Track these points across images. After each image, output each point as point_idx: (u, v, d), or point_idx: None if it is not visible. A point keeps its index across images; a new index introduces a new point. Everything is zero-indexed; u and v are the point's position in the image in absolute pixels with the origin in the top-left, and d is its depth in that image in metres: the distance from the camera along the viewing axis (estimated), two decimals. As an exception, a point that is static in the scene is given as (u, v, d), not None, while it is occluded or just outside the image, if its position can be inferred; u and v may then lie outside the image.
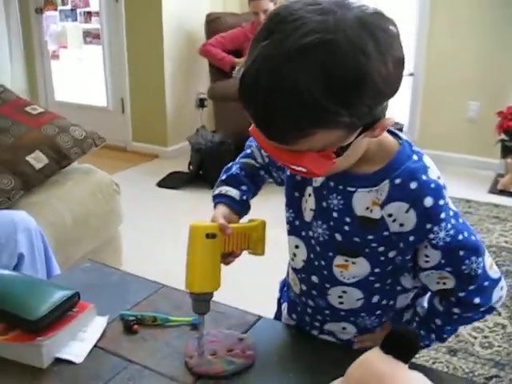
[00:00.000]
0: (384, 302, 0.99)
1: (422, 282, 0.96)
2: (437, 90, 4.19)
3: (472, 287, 0.92)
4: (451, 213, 0.87)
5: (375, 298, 0.98)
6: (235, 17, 4.39)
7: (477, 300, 0.92)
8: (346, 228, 0.91)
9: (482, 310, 0.95)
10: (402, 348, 0.65)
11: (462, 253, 0.88)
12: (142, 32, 4.41)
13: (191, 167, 4.03)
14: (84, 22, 5.29)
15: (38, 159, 2.08)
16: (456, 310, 0.95)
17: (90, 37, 5.38)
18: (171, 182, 4.00)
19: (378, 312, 1.00)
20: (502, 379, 1.95)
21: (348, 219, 0.90)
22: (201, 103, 4.66)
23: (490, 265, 0.92)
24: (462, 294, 0.92)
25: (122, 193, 2.42)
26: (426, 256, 0.89)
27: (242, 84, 0.75)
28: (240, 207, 1.06)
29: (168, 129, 4.55)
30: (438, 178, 0.86)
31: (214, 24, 4.28)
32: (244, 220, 1.07)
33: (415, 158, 0.87)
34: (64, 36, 5.49)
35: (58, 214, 2.08)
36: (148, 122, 4.61)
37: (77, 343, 1.00)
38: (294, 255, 1.02)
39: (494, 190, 3.79)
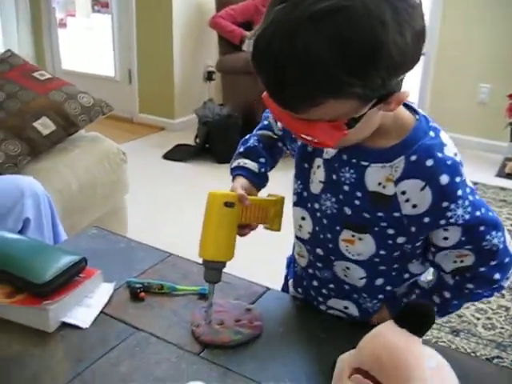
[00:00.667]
0: (388, 287, 0.98)
1: (436, 262, 0.93)
2: (448, 71, 4.14)
3: (493, 262, 0.90)
4: (468, 190, 0.85)
5: (379, 281, 0.96)
6: (246, -11, 4.33)
7: (497, 276, 0.91)
8: (357, 202, 0.89)
9: (494, 286, 0.93)
10: (416, 321, 0.64)
11: (482, 228, 0.87)
12: (152, 2, 4.35)
13: (197, 140, 4.00)
14: (93, -11, 5.23)
15: (45, 125, 2.06)
16: (469, 286, 0.93)
17: (99, 5, 5.32)
18: (177, 154, 3.98)
19: (381, 296, 0.99)
20: (503, 360, 1.95)
21: (359, 194, 0.89)
22: (209, 76, 4.62)
23: (510, 241, 0.91)
24: (482, 269, 0.90)
25: (128, 164, 2.41)
26: (445, 236, 0.87)
27: (255, 48, 0.73)
28: (258, 180, 1.05)
29: (175, 101, 4.51)
30: (455, 154, 0.84)
31: (224, -5, 4.21)
32: (263, 194, 1.06)
33: (432, 134, 0.85)
34: (72, 3, 5.43)
35: (65, 180, 2.07)
36: (155, 93, 4.58)
37: (83, 309, 1.00)
38: (300, 226, 1.01)
39: (501, 174, 3.76)
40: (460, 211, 0.84)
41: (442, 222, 0.85)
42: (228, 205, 0.91)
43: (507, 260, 0.91)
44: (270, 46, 0.70)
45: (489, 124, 4.07)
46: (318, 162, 0.95)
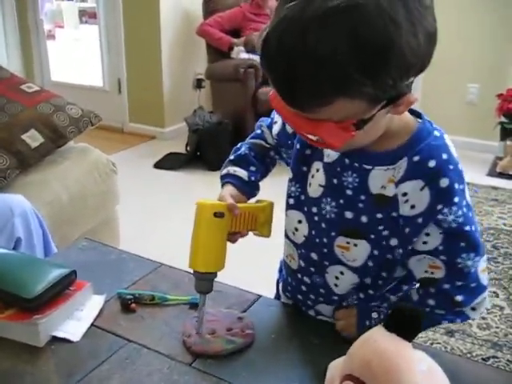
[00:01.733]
0: (370, 291, 0.97)
1: (409, 267, 0.92)
2: (436, 72, 4.14)
3: (459, 283, 0.89)
4: (465, 202, 0.85)
5: (366, 285, 0.96)
6: (233, -4, 4.34)
7: (459, 297, 0.89)
8: (360, 205, 0.89)
9: (456, 310, 0.91)
10: (405, 325, 0.63)
11: (462, 244, 0.86)
12: (139, 12, 4.35)
13: (188, 148, 4.00)
14: (80, 0, 5.21)
15: (33, 138, 2.05)
16: (431, 302, 0.91)
17: (86, 16, 5.32)
18: (168, 163, 3.97)
19: (361, 295, 0.98)
20: (499, 360, 1.95)
21: (363, 197, 0.88)
22: (198, 84, 4.62)
23: (483, 269, 0.90)
24: (446, 286, 0.89)
25: (118, 174, 2.40)
26: (427, 235, 0.86)
27: (266, 44, 0.72)
28: (248, 188, 1.04)
29: (165, 109, 4.51)
30: (458, 160, 0.84)
31: (211, 3, 4.22)
32: (252, 201, 1.05)
33: (437, 134, 0.85)
34: (60, 15, 5.42)
35: (55, 193, 2.06)
36: (145, 102, 4.57)
37: (74, 322, 0.99)
38: (296, 230, 1.00)
39: (492, 173, 3.78)
40: (451, 217, 0.83)
41: (431, 223, 0.84)
42: (218, 215, 0.89)
43: (473, 285, 0.89)
44: (282, 42, 0.69)
45: (478, 124, 4.09)
46: (317, 165, 0.94)
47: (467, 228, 0.85)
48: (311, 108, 0.73)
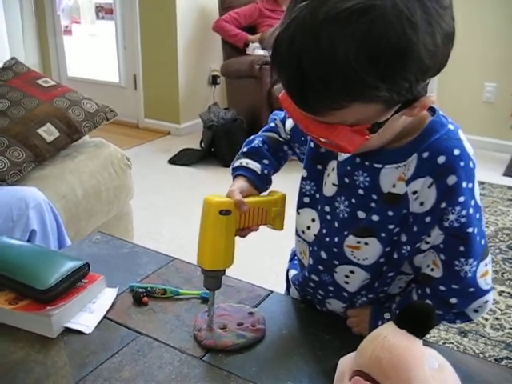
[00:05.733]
0: (385, 288, 0.96)
1: (415, 264, 0.90)
2: (453, 70, 4.11)
3: (455, 286, 0.86)
4: (472, 202, 0.82)
5: (377, 282, 0.95)
6: (250, -8, 4.33)
7: (453, 300, 0.87)
8: (372, 205, 0.87)
9: (454, 311, 0.90)
10: (417, 323, 0.63)
11: (461, 248, 0.83)
12: (155, 8, 4.36)
13: (203, 144, 4.01)
14: (97, -4, 5.25)
15: (49, 132, 2.07)
16: (429, 302, 0.89)
17: (103, 12, 5.34)
18: (183, 158, 3.98)
19: (371, 296, 0.97)
20: (512, 361, 1.93)
21: (375, 196, 0.87)
22: (213, 80, 4.63)
23: (482, 274, 0.86)
24: (442, 288, 0.87)
25: (133, 169, 2.41)
26: (429, 235, 0.85)
27: (276, 46, 0.70)
28: (260, 181, 1.01)
29: (180, 106, 4.52)
30: (471, 157, 0.81)
31: None
32: (264, 193, 1.03)
33: (451, 127, 0.82)
34: (76, 11, 5.45)
35: (70, 187, 2.07)
36: (160, 98, 4.59)
37: (86, 314, 1.00)
38: (308, 228, 0.98)
39: (508, 173, 3.74)
40: (453, 217, 0.81)
41: (436, 223, 0.83)
42: (224, 213, 0.88)
43: (471, 290, 0.87)
44: (293, 44, 0.67)
45: (495, 123, 4.05)
46: (333, 164, 0.92)
47: (469, 230, 0.82)
48: (324, 112, 0.71)
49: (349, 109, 0.69)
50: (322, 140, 0.77)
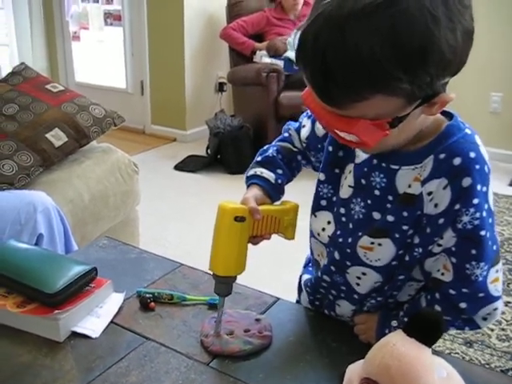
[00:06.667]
0: (389, 293, 0.96)
1: (426, 268, 0.90)
2: (459, 80, 4.10)
3: (465, 290, 0.86)
4: (486, 206, 0.82)
5: (388, 286, 0.95)
6: (258, 0, 4.35)
7: (463, 305, 0.87)
8: (388, 206, 0.88)
9: (463, 317, 0.90)
10: (426, 331, 0.63)
11: (473, 252, 0.84)
12: (163, 15, 4.39)
13: (209, 151, 4.02)
14: (105, 3, 5.27)
15: (57, 137, 2.08)
16: (438, 308, 0.90)
17: (111, 18, 5.36)
18: (189, 165, 3.99)
19: (380, 299, 0.97)
20: (518, 372, 1.92)
21: (390, 197, 0.88)
22: (220, 87, 4.65)
23: (493, 280, 0.87)
24: (452, 292, 0.87)
25: (139, 175, 2.42)
26: (441, 238, 0.85)
27: (302, 41, 0.72)
28: (274, 191, 1.02)
29: (187, 112, 4.54)
30: (486, 161, 0.82)
31: (235, 7, 4.24)
32: (277, 203, 1.03)
33: (468, 131, 0.84)
34: (85, 17, 5.48)
35: (77, 191, 2.08)
36: (167, 105, 4.61)
37: (93, 318, 1.00)
38: (323, 230, 0.99)
39: (515, 183, 3.73)
40: (466, 218, 0.82)
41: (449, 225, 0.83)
42: (238, 219, 0.88)
43: (481, 295, 0.86)
44: (318, 38, 0.70)
45: (502, 133, 4.04)
46: (350, 167, 0.94)
47: (482, 233, 0.83)
48: (346, 104, 0.72)
49: (370, 101, 0.71)
50: (342, 135, 0.78)
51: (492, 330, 2.14)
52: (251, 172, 1.05)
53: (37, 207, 1.65)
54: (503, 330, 2.15)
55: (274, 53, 3.91)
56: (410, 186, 0.85)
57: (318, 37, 0.70)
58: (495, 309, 0.89)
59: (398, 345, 0.63)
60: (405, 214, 0.86)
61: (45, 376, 0.86)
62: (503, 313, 2.24)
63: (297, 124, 1.09)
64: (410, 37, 0.66)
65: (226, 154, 3.89)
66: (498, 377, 0.96)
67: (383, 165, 0.87)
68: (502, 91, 4.03)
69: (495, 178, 3.85)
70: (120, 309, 1.03)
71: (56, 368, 0.88)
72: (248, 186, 1.03)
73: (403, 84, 0.69)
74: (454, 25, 0.69)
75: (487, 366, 1.94)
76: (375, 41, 0.66)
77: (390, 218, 0.88)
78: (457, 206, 0.82)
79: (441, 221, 0.84)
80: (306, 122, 1.05)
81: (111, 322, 1.00)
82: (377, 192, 0.89)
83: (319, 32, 0.69)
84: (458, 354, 2.00)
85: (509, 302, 2.33)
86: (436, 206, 0.83)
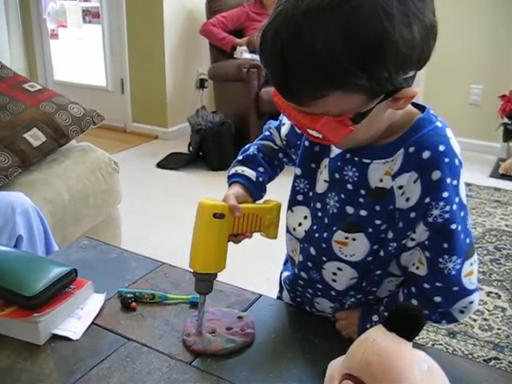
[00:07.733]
0: (373, 288, 0.96)
1: (402, 263, 0.91)
2: (439, 72, 4.15)
3: (439, 284, 0.87)
4: (457, 199, 0.82)
5: (365, 282, 0.95)
6: (237, -4, 4.33)
7: (437, 298, 0.88)
8: (361, 200, 0.88)
9: (440, 310, 0.90)
10: (406, 325, 0.63)
11: (445, 245, 0.84)
12: (142, 11, 4.35)
13: (191, 148, 4.00)
14: (83, 0, 5.22)
15: (35, 137, 2.05)
16: (415, 302, 0.90)
17: (90, 16, 5.32)
18: (171, 162, 3.97)
19: (359, 296, 0.97)
20: (500, 361, 1.94)
21: (363, 191, 0.88)
22: (201, 84, 4.63)
23: (467, 273, 0.87)
24: (426, 286, 0.88)
25: (121, 173, 2.40)
26: (414, 232, 0.86)
27: (262, 40, 0.74)
28: (255, 188, 1.03)
29: (168, 109, 4.51)
30: (457, 154, 0.82)
31: (215, 3, 4.22)
32: (259, 201, 1.03)
33: (439, 124, 0.83)
34: (63, 14, 5.43)
35: (57, 191, 2.06)
36: (148, 102, 4.58)
37: (74, 320, 0.99)
38: (299, 225, 0.99)
39: (495, 174, 3.77)
40: (436, 212, 0.82)
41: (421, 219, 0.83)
42: (217, 216, 0.88)
43: (455, 289, 0.87)
44: (277, 36, 0.71)
45: (482, 125, 4.08)
46: (326, 161, 0.94)
47: (453, 226, 0.83)
48: (307, 101, 0.74)
49: (330, 98, 0.72)
50: (310, 132, 0.79)
51: (475, 321, 2.16)
52: (232, 171, 1.05)
53: (15, 208, 1.62)
54: (485, 319, 2.18)
55: (255, 48, 3.90)
56: (381, 180, 0.85)
57: (276, 34, 0.71)
58: (471, 302, 0.89)
59: (378, 340, 0.63)
60: (377, 208, 0.86)
61: (25, 380, 0.85)
62: (485, 303, 2.27)
63: (277, 122, 1.09)
64: (364, 33, 0.68)
65: (207, 150, 3.87)
66: (480, 367, 0.97)
67: (356, 159, 0.88)
68: (482, 83, 4.06)
69: (476, 170, 3.88)
70: (101, 310, 1.02)
71: (36, 372, 0.87)
72: (230, 185, 1.03)
73: (360, 80, 0.70)
74: (409, 20, 0.70)
75: (470, 356, 1.96)
76: (330, 37, 0.68)
77: (363, 213, 0.88)
78: (427, 200, 0.82)
79: (412, 215, 0.84)
80: (285, 119, 1.05)
81: (92, 323, 0.99)
82: (350, 186, 0.89)
83: (278, 30, 0.71)
84: (441, 344, 2.02)
85: (490, 292, 2.36)
86: (407, 199, 0.84)
